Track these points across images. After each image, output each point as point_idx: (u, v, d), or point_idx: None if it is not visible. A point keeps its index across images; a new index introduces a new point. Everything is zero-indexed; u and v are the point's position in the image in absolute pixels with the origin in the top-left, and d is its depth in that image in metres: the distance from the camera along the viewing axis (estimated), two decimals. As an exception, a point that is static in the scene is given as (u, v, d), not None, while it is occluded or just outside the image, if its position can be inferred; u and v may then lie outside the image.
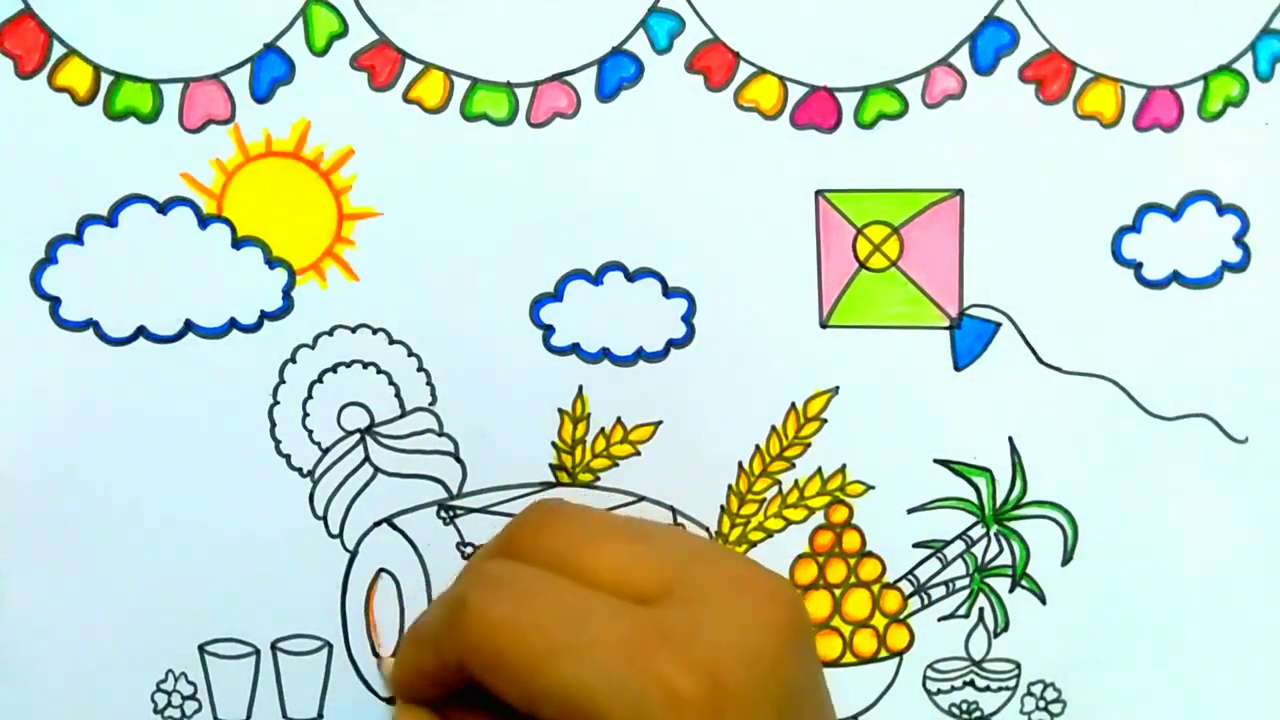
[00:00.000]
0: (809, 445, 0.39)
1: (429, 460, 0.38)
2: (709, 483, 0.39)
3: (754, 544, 0.39)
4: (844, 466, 0.39)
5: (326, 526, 0.38)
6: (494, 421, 0.38)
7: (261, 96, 0.37)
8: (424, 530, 0.38)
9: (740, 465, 0.39)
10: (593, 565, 0.29)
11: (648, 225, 0.38)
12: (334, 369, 0.38)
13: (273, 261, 0.37)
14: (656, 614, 0.28)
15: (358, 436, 0.38)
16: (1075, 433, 0.39)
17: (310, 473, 0.38)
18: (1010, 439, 0.39)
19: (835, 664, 0.40)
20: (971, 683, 0.40)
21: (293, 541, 0.38)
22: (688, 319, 0.38)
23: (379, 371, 0.38)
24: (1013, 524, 0.39)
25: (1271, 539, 0.39)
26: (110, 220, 0.37)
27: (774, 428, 0.39)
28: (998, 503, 0.39)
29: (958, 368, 0.38)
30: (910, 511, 0.39)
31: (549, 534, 0.31)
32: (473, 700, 0.30)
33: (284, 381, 0.38)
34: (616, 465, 0.38)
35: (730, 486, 0.39)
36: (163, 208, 0.37)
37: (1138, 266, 0.38)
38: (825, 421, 0.39)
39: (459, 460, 0.38)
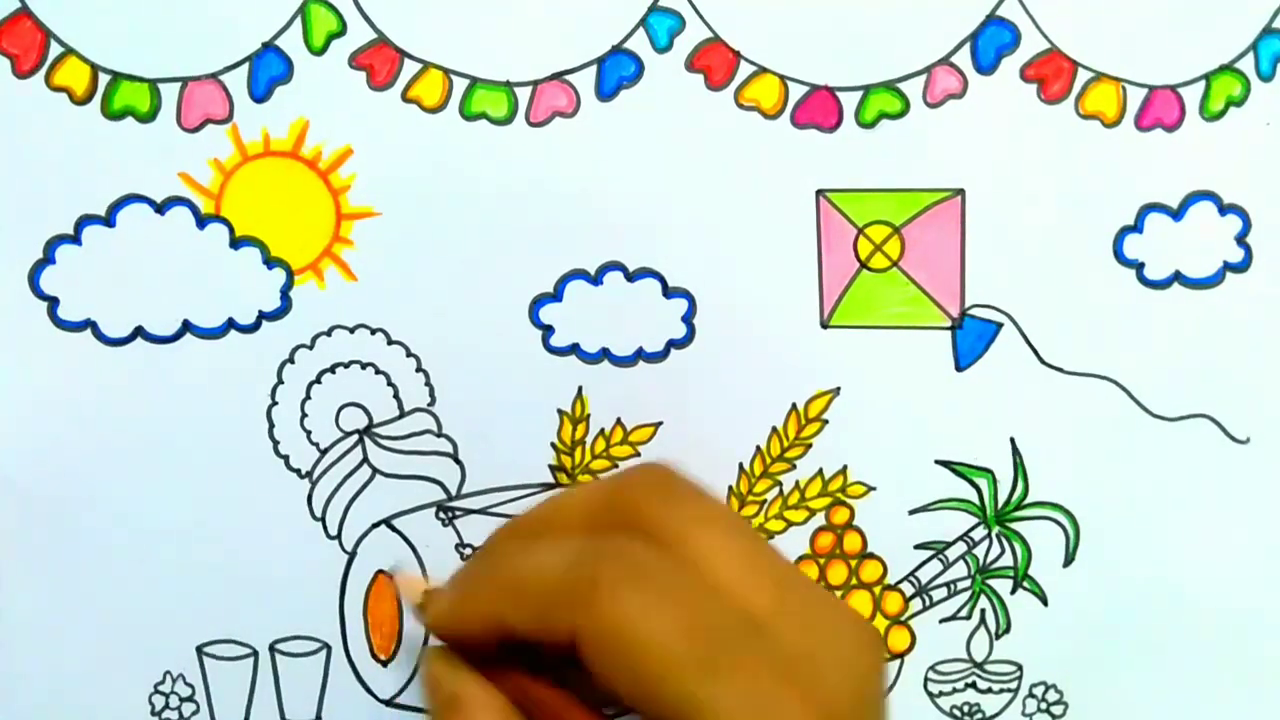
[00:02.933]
0: (810, 446, 0.39)
1: (428, 461, 0.38)
2: (709, 483, 0.38)
3: (754, 545, 0.39)
4: (845, 467, 0.39)
5: (325, 527, 0.38)
6: (493, 422, 0.38)
7: (260, 96, 0.37)
8: (423, 531, 0.38)
9: (741, 466, 0.39)
10: (716, 557, 0.28)
11: (648, 225, 0.38)
12: (332, 369, 0.38)
13: (271, 262, 0.37)
14: (780, 642, 0.27)
15: (356, 437, 0.38)
16: (1077, 433, 0.39)
17: (309, 473, 0.38)
18: (1012, 440, 0.39)
19: (836, 665, 0.39)
20: (973, 684, 0.40)
21: (291, 542, 0.38)
22: (688, 319, 0.38)
23: (377, 372, 0.38)
24: (1014, 525, 0.39)
25: (1272, 539, 0.39)
26: (108, 220, 0.37)
27: (775, 428, 0.38)
28: (999, 504, 0.39)
29: (959, 368, 0.38)
30: (911, 513, 0.39)
31: (672, 505, 0.29)
32: (512, 652, 0.29)
33: (282, 382, 0.38)
34: (616, 466, 0.38)
35: (731, 487, 0.39)
36: (161, 208, 0.37)
37: (1139, 266, 0.38)
38: (826, 422, 0.38)
39: (458, 461, 0.38)
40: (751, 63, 0.37)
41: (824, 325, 0.38)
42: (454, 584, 0.33)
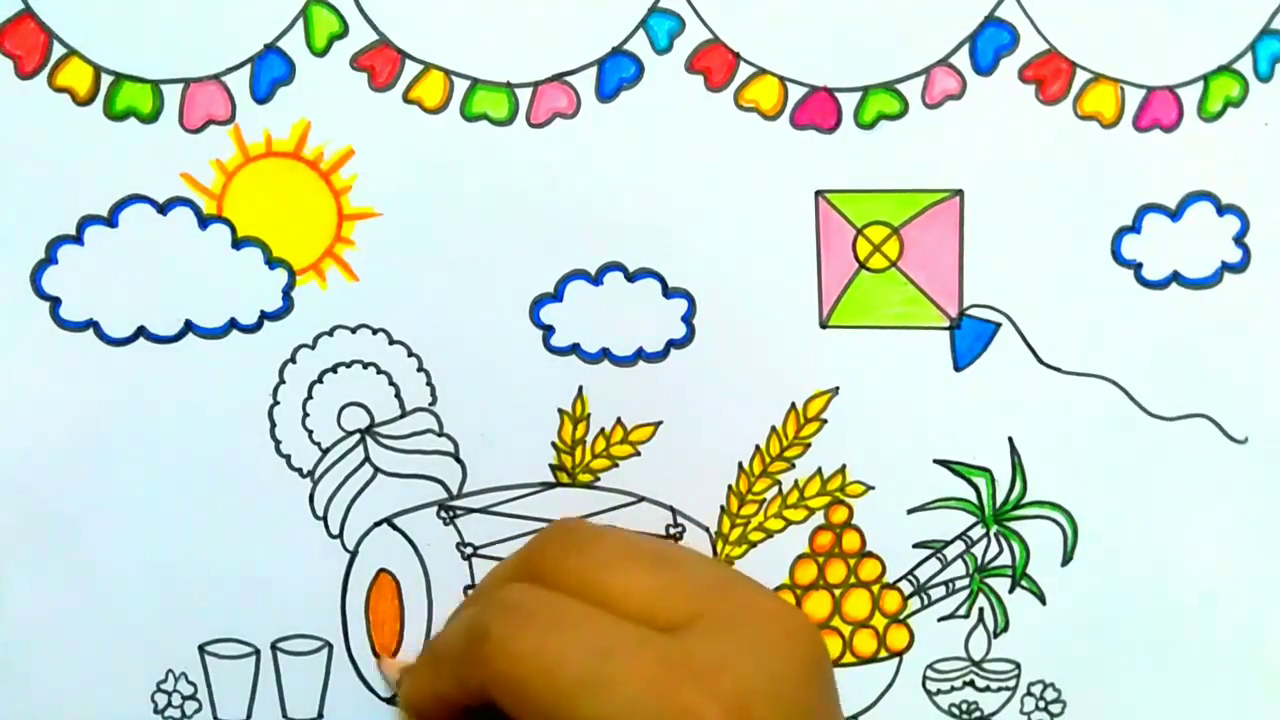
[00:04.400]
0: (809, 445, 0.39)
1: (429, 460, 0.38)
2: (709, 483, 0.39)
3: (754, 544, 0.39)
4: (844, 467, 0.39)
5: (326, 527, 0.38)
6: (494, 422, 0.38)
7: (262, 97, 0.37)
8: (424, 530, 0.38)
9: (740, 465, 0.39)
10: (619, 591, 0.29)
11: (648, 225, 0.38)
12: (334, 369, 0.38)
13: (273, 262, 0.37)
14: (683, 645, 0.28)
15: (358, 437, 0.38)
16: (1075, 433, 0.39)
17: (310, 473, 0.38)
18: (1010, 439, 0.39)
19: (835, 664, 0.39)
20: (971, 683, 0.40)
21: (293, 541, 0.38)
22: (688, 319, 0.38)
23: (379, 372, 0.38)
24: (1012, 524, 0.39)
25: (1271, 539, 0.39)
26: (110, 220, 0.37)
27: (774, 428, 0.39)
28: (997, 503, 0.39)
29: (958, 368, 0.38)
30: (910, 512, 0.39)
31: (573, 555, 0.30)
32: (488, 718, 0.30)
33: (284, 382, 0.38)
34: (616, 465, 0.38)
35: (730, 487, 0.39)
36: (163, 208, 0.37)
37: (1137, 267, 0.38)
38: (825, 422, 0.39)
39: (459, 460, 0.38)
40: (751, 64, 0.37)
41: (823, 325, 0.38)
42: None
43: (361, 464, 0.38)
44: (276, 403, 0.38)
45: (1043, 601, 0.39)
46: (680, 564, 0.30)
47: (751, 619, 0.29)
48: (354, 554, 0.38)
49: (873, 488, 0.39)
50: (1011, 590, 0.40)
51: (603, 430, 0.38)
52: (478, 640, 0.28)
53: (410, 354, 0.38)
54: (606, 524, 0.38)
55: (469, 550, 0.38)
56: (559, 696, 0.27)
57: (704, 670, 0.27)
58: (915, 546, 0.39)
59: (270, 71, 0.37)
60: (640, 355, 0.38)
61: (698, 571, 0.30)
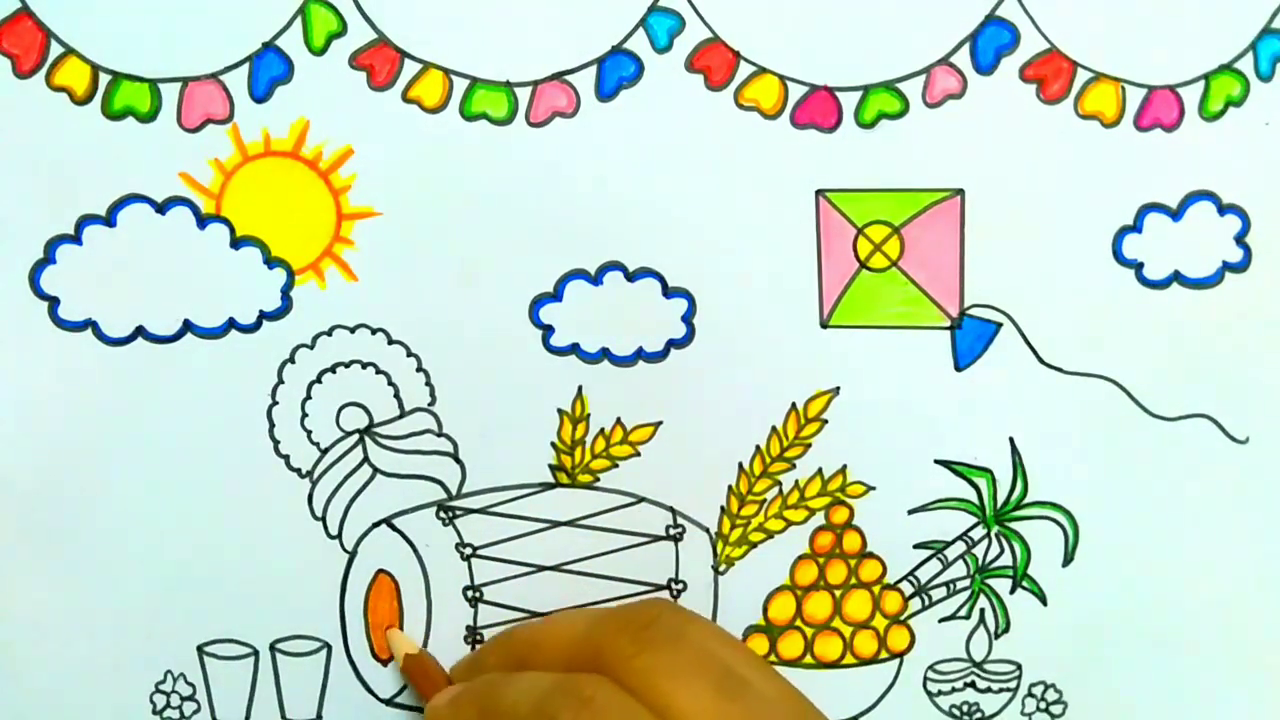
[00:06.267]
0: (809, 446, 0.39)
1: (428, 461, 0.38)
2: (709, 483, 0.39)
3: (754, 545, 0.39)
4: (844, 467, 0.39)
5: (325, 527, 0.38)
6: (493, 422, 0.38)
7: (260, 96, 0.37)
8: (423, 531, 0.38)
9: (740, 466, 0.39)
10: (680, 709, 0.30)
11: (648, 225, 0.38)
12: (333, 369, 0.38)
13: (271, 261, 0.37)
14: None
15: (357, 437, 0.38)
16: (1076, 433, 0.39)
17: (309, 473, 0.38)
18: (1011, 439, 0.39)
19: (836, 665, 0.39)
20: (972, 684, 0.40)
21: (291, 542, 0.38)
22: (688, 319, 0.38)
23: (378, 372, 0.38)
24: (1013, 525, 0.39)
25: (1272, 539, 0.39)
26: (109, 220, 0.37)
27: (774, 428, 0.38)
28: (998, 503, 0.39)
29: (958, 368, 0.38)
30: (911, 512, 0.39)
31: (645, 656, 0.31)
32: None
33: (283, 382, 0.38)
34: (616, 466, 0.38)
35: (730, 487, 0.39)
36: (161, 208, 0.37)
37: (1139, 266, 0.38)
38: (826, 422, 0.39)
39: (458, 461, 0.38)
40: (751, 63, 0.37)
41: (823, 325, 0.38)
42: (453, 677, 0.37)
43: (360, 464, 0.38)
44: (275, 403, 0.38)
45: (1044, 602, 0.39)
46: (746, 691, 0.31)
47: None
48: (353, 554, 0.38)
49: (873, 488, 0.39)
50: (1012, 591, 0.39)
51: (602, 430, 0.38)
52: None
53: (409, 354, 0.38)
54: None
55: (468, 551, 0.38)
56: None
57: None
58: (916, 547, 0.39)
59: (269, 70, 0.37)
60: (640, 355, 0.38)
61: (761, 704, 0.30)
